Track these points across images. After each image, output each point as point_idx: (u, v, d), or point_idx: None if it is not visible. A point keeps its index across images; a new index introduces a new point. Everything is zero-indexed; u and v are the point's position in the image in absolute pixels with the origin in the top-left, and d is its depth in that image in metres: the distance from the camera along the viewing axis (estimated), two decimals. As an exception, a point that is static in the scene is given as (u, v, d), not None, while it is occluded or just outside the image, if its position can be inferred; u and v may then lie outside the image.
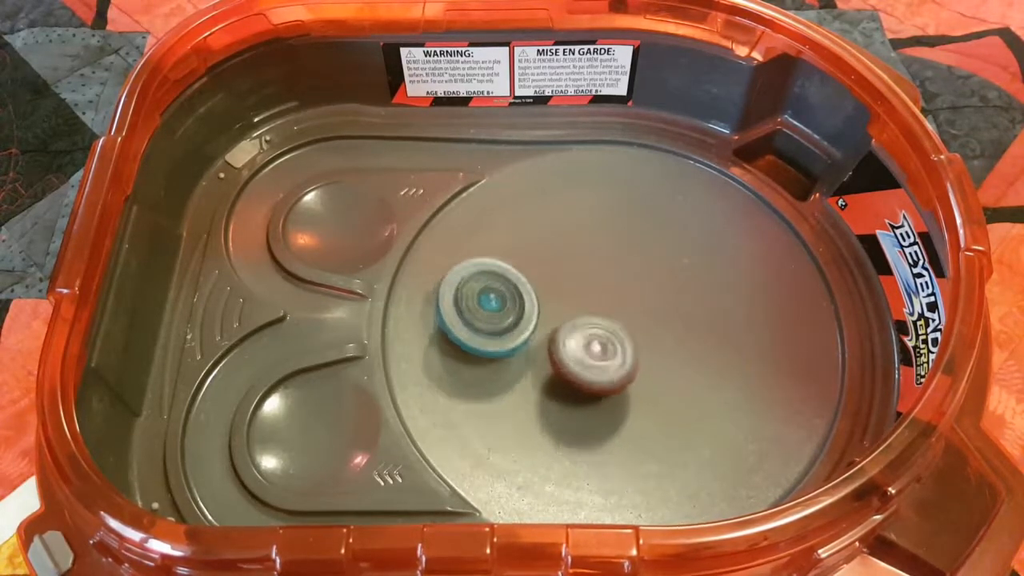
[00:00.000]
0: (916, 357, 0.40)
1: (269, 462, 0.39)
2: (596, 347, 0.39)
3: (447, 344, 0.42)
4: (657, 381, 0.41)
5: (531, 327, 0.41)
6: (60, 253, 0.37)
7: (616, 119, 0.50)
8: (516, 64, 0.48)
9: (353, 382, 0.41)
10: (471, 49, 0.48)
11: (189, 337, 0.42)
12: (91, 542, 0.32)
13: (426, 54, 0.48)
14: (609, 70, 0.49)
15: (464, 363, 0.42)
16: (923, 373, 0.39)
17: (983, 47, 0.56)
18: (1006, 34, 0.56)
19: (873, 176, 0.43)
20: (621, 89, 0.49)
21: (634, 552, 0.29)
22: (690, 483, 0.38)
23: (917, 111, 0.41)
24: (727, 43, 0.46)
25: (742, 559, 0.30)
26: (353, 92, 0.50)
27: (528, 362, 0.42)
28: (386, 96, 0.50)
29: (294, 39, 0.47)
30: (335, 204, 0.47)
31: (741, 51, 0.45)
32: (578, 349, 0.39)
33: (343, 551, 0.29)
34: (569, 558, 0.29)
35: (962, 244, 0.36)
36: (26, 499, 0.40)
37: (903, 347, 0.41)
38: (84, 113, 0.54)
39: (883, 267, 0.43)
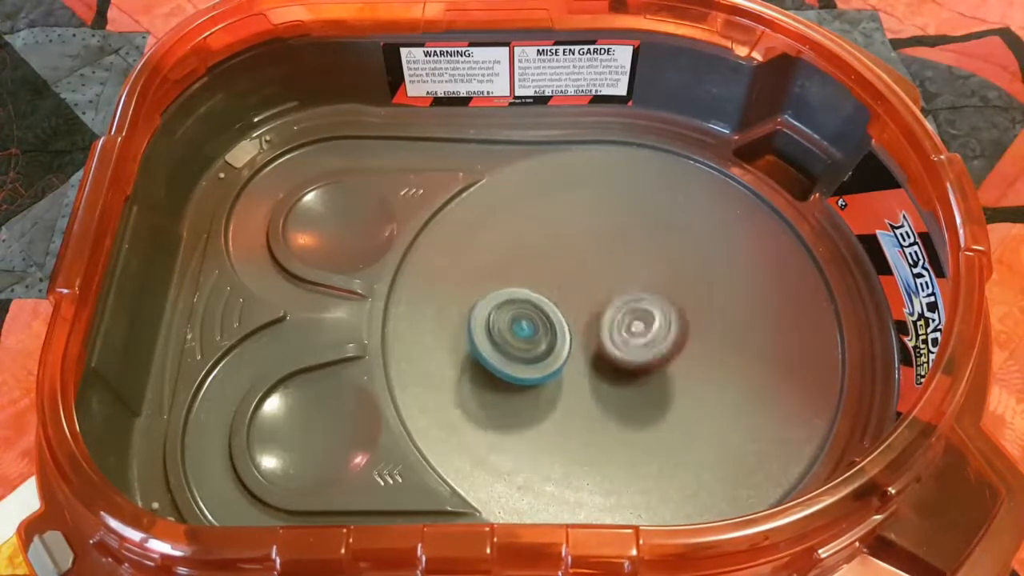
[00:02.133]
0: (916, 357, 0.40)
1: (269, 462, 0.39)
2: (638, 325, 0.40)
3: (447, 344, 0.42)
4: (657, 381, 0.41)
5: (566, 351, 0.40)
6: (60, 253, 0.37)
7: (616, 119, 0.50)
8: (516, 64, 0.48)
9: (353, 382, 0.41)
10: (471, 49, 0.48)
11: (189, 337, 0.42)
12: (91, 542, 0.32)
13: (426, 54, 0.48)
14: (609, 70, 0.49)
15: (464, 364, 0.42)
16: (923, 373, 0.39)
17: (983, 47, 0.56)
18: (1006, 34, 0.56)
19: (873, 176, 0.43)
20: (621, 89, 0.49)
21: (634, 552, 0.29)
22: (690, 483, 0.38)
23: (917, 111, 0.41)
24: (727, 43, 0.46)
25: (742, 559, 0.30)
26: (353, 92, 0.50)
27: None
28: (386, 96, 0.50)
29: (294, 39, 0.47)
30: (335, 204, 0.47)
31: (741, 51, 0.45)
32: (619, 331, 0.40)
33: (343, 551, 0.29)
34: (569, 558, 0.29)
35: (962, 244, 0.36)
36: (26, 499, 0.40)
37: (903, 347, 0.41)
38: (84, 113, 0.54)
39: (883, 267, 0.43)
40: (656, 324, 0.39)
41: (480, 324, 0.39)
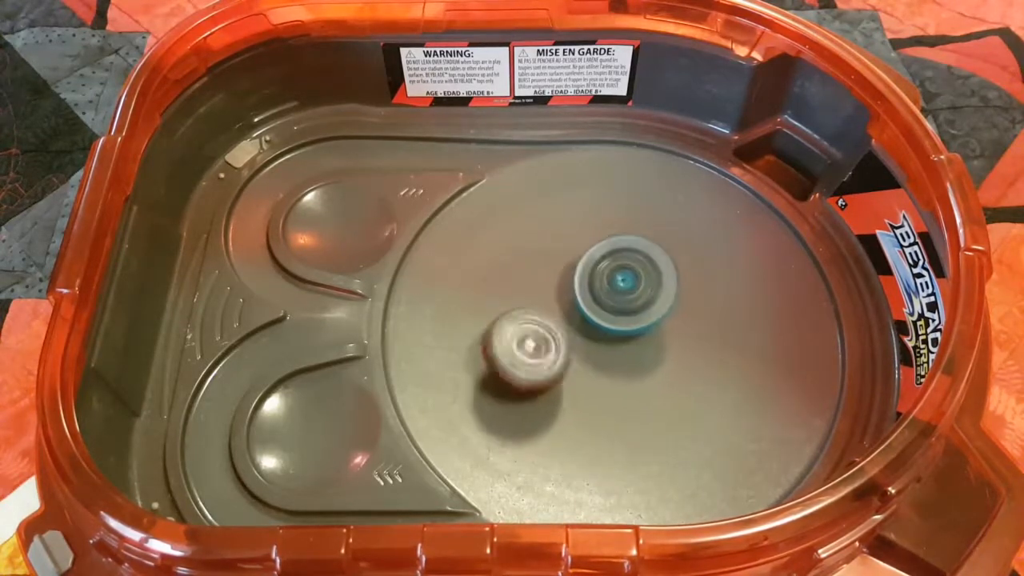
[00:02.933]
0: (916, 357, 0.40)
1: (269, 462, 0.39)
2: (530, 344, 0.39)
3: (447, 344, 0.42)
4: (657, 381, 0.41)
5: (671, 301, 0.41)
6: (60, 253, 0.37)
7: (616, 119, 0.50)
8: (516, 64, 0.48)
9: (353, 382, 0.41)
10: (471, 49, 0.48)
11: (189, 337, 0.42)
12: (91, 542, 0.32)
13: (426, 54, 0.48)
14: (609, 70, 0.49)
15: (464, 364, 0.42)
16: (923, 373, 0.39)
17: (983, 47, 0.56)
18: (1006, 34, 0.56)
19: (873, 176, 0.43)
20: (621, 89, 0.49)
21: (634, 552, 0.29)
22: (690, 483, 0.38)
23: (917, 111, 0.41)
24: (727, 43, 0.46)
25: (742, 559, 0.30)
26: (353, 92, 0.50)
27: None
28: (386, 96, 0.50)
29: (294, 39, 0.47)
30: (335, 204, 0.47)
31: (741, 51, 0.45)
32: (512, 345, 0.39)
33: (343, 551, 0.29)
34: (569, 558, 0.29)
35: (962, 244, 0.36)
36: (26, 499, 0.40)
37: (903, 347, 0.41)
38: (84, 113, 0.54)
39: (883, 267, 0.43)
40: (545, 346, 0.39)
41: (584, 276, 0.41)
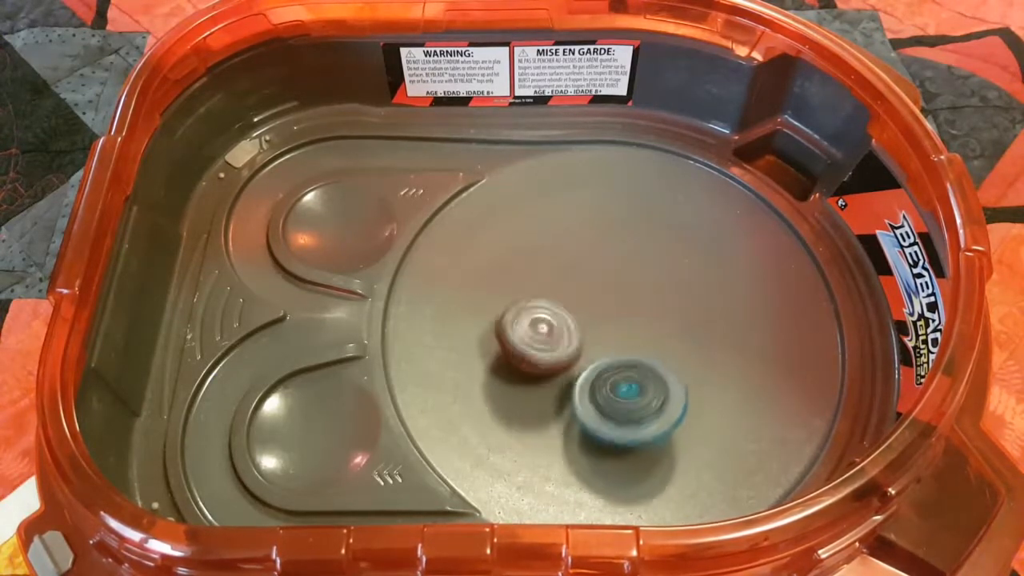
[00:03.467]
0: (916, 357, 0.40)
1: (269, 462, 0.39)
2: (543, 328, 0.40)
3: (447, 344, 0.42)
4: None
5: (682, 404, 0.38)
6: (60, 253, 0.37)
7: (616, 119, 0.50)
8: (516, 64, 0.48)
9: (353, 382, 0.41)
10: (471, 49, 0.48)
11: (189, 337, 0.42)
12: (91, 542, 0.32)
13: (426, 54, 0.48)
14: (609, 70, 0.49)
15: (464, 363, 0.42)
16: (923, 373, 0.39)
17: (983, 47, 0.56)
18: (1006, 34, 0.56)
19: (873, 176, 0.43)
20: (621, 89, 0.49)
21: (634, 552, 0.29)
22: (690, 483, 0.38)
23: (917, 111, 0.41)
24: (727, 43, 0.46)
25: (742, 559, 0.30)
26: (353, 92, 0.50)
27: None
28: (386, 96, 0.50)
29: (294, 39, 0.47)
30: (335, 204, 0.47)
31: (741, 51, 0.45)
32: (526, 331, 0.40)
33: (343, 551, 0.29)
34: (569, 558, 0.29)
35: (962, 244, 0.36)
36: (26, 499, 0.40)
37: (903, 347, 0.41)
38: (84, 113, 0.54)
39: (883, 267, 0.43)
40: (557, 329, 0.40)
41: (585, 390, 0.39)
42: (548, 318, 0.40)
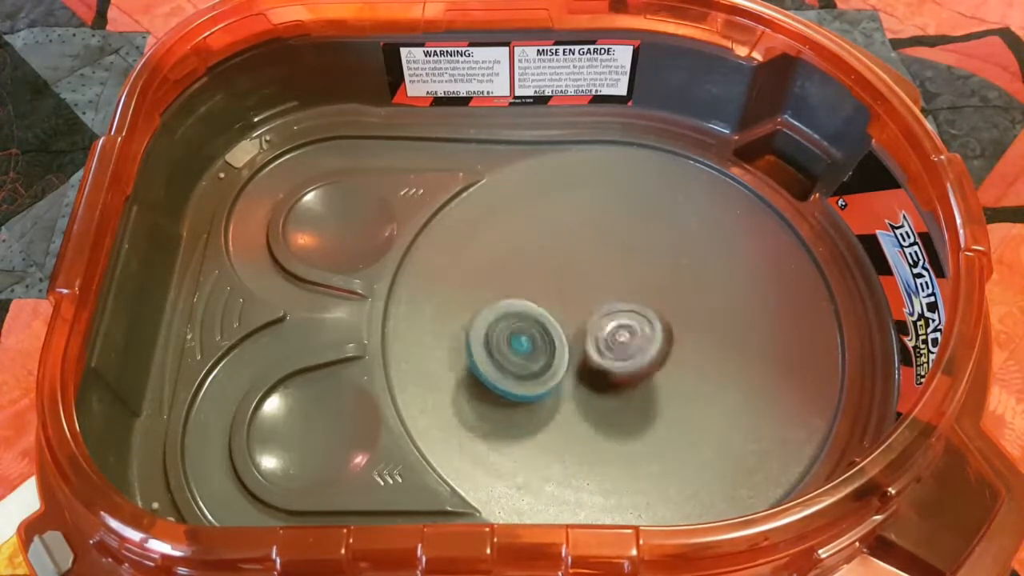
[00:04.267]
0: (916, 357, 0.40)
1: (269, 462, 0.39)
2: (623, 336, 0.39)
3: (447, 344, 0.42)
4: (657, 381, 0.41)
5: (562, 370, 0.40)
6: (60, 253, 0.37)
7: (616, 119, 0.50)
8: (516, 64, 0.48)
9: (353, 382, 0.41)
10: (471, 49, 0.48)
11: (189, 337, 0.42)
12: (91, 542, 0.32)
13: (426, 54, 0.48)
14: (609, 70, 0.49)
15: (464, 364, 0.42)
16: (923, 373, 0.39)
17: (983, 47, 0.56)
18: (1006, 34, 0.56)
19: (873, 176, 0.43)
20: (621, 89, 0.49)
21: (634, 552, 0.29)
22: (690, 483, 0.38)
23: (917, 111, 0.41)
24: (727, 43, 0.46)
25: (742, 559, 0.30)
26: (353, 92, 0.50)
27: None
28: (386, 96, 0.50)
29: (294, 39, 0.47)
30: (335, 204, 0.47)
31: (741, 51, 0.45)
32: (604, 343, 0.39)
33: (343, 551, 0.29)
34: (569, 558, 0.29)
35: (962, 244, 0.36)
36: (26, 499, 0.40)
37: (903, 347, 0.41)
38: (84, 113, 0.54)
39: (883, 267, 0.43)
40: (640, 335, 0.39)
41: (479, 338, 0.39)
42: (631, 323, 0.40)
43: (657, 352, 0.39)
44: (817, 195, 0.46)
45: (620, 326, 0.40)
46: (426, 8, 0.46)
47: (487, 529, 0.30)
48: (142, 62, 0.43)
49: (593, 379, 0.41)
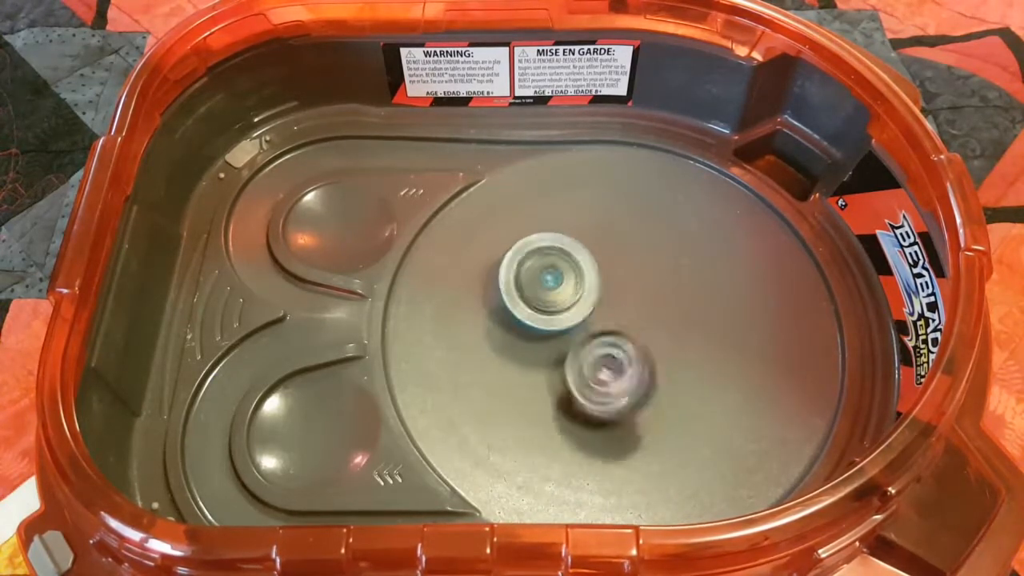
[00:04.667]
0: (916, 357, 0.40)
1: (269, 462, 0.39)
2: (605, 374, 0.39)
3: (447, 344, 0.42)
4: (657, 381, 0.41)
5: (592, 303, 0.41)
6: (60, 253, 0.37)
7: (616, 119, 0.50)
8: (516, 64, 0.48)
9: (353, 382, 0.41)
10: (471, 49, 0.48)
11: (189, 337, 0.42)
12: (91, 542, 0.32)
13: (426, 54, 0.48)
14: (609, 70, 0.49)
15: (464, 363, 0.42)
16: (923, 373, 0.39)
17: (983, 47, 0.56)
18: (1006, 34, 0.56)
19: (873, 176, 0.43)
20: (621, 89, 0.49)
21: (634, 552, 0.29)
22: (690, 483, 0.38)
23: (917, 111, 0.41)
24: (727, 43, 0.46)
25: (742, 559, 0.30)
26: (353, 92, 0.50)
27: (528, 362, 0.42)
28: (386, 96, 0.50)
29: (294, 39, 0.47)
30: (335, 204, 0.47)
31: (741, 51, 0.45)
32: (588, 375, 0.39)
33: (343, 551, 0.29)
34: (569, 558, 0.29)
35: (962, 244, 0.36)
36: (26, 499, 0.40)
37: (903, 347, 0.41)
38: (84, 113, 0.54)
39: (883, 267, 0.43)
40: (624, 372, 0.39)
41: (509, 275, 0.41)
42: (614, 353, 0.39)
43: (641, 397, 0.38)
44: (817, 195, 0.46)
45: (603, 358, 0.39)
46: (426, 8, 0.46)
47: (487, 529, 0.30)
48: (142, 62, 0.43)
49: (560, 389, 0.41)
